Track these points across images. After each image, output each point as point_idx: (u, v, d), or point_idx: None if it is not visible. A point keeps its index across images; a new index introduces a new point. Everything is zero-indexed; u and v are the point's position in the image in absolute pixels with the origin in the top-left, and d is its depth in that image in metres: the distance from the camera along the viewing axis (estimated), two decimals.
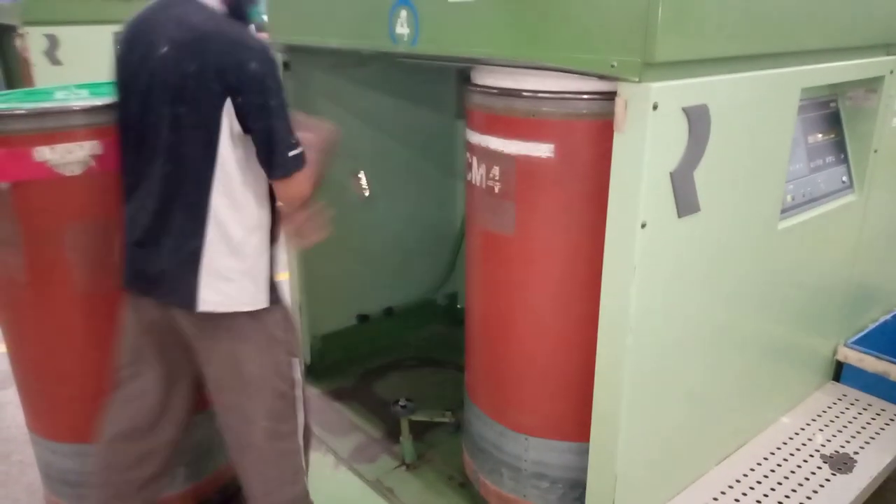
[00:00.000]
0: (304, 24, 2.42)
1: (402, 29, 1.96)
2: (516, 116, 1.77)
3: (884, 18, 2.16)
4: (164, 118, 1.60)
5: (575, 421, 1.93)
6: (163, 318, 1.78)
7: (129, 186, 1.74)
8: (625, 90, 1.50)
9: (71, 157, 1.83)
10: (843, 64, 2.08)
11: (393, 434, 2.62)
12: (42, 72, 6.09)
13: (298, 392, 1.89)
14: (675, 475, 2.01)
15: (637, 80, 1.47)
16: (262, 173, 1.68)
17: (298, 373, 1.89)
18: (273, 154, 1.62)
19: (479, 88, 1.89)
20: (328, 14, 2.28)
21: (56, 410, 2.11)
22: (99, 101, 1.89)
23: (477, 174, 1.95)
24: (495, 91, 1.82)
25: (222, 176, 1.62)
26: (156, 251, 1.70)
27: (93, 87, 2.17)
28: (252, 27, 1.76)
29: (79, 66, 6.26)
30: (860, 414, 2.40)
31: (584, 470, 1.87)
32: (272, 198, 1.76)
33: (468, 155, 2.02)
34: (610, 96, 1.56)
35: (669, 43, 1.46)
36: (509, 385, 2.07)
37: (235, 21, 1.65)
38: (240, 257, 1.69)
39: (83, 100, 1.98)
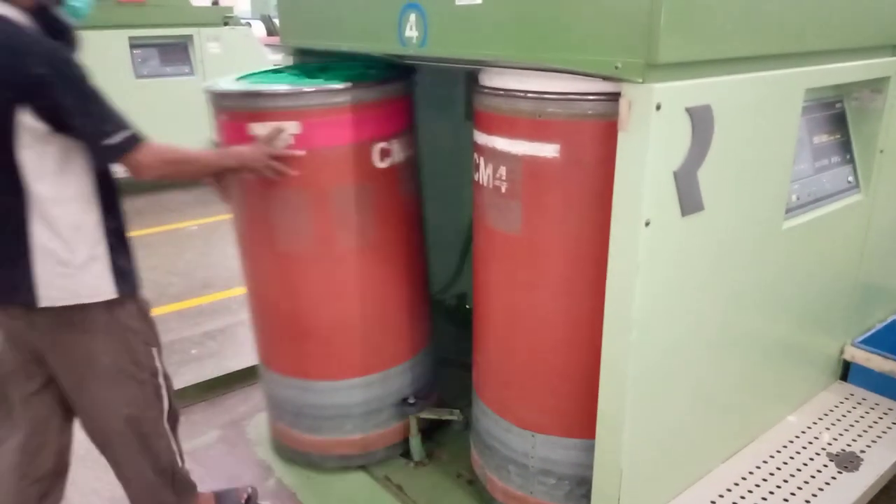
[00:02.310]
0: (314, 28, 2.46)
1: (412, 32, 2.00)
2: (522, 117, 1.80)
3: (889, 19, 2.17)
4: None
5: (581, 418, 1.95)
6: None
7: None
8: (629, 91, 1.52)
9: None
10: (849, 65, 2.09)
11: (402, 433, 2.65)
12: None
13: (160, 380, 2.03)
14: (680, 472, 2.03)
15: (641, 80, 1.49)
16: (77, 168, 1.76)
17: (158, 361, 2.02)
18: (91, 146, 1.73)
19: (486, 90, 1.92)
20: (338, 18, 2.32)
21: (282, 349, 2.51)
22: (304, 87, 2.16)
23: (484, 174, 1.98)
24: (502, 92, 1.85)
25: (31, 179, 1.70)
26: None
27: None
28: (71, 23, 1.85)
29: (95, 71, 6.35)
30: (867, 413, 2.40)
31: (590, 466, 1.89)
32: (110, 186, 1.85)
33: (475, 155, 2.05)
34: (614, 97, 1.58)
35: (672, 44, 1.48)
36: (516, 382, 2.09)
37: (20, 27, 1.67)
38: (72, 253, 1.77)
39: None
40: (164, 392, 2.05)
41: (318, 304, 2.38)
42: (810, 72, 1.94)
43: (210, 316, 4.04)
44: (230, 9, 7.30)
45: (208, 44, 6.87)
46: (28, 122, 1.65)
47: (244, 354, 3.48)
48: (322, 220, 2.26)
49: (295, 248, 2.30)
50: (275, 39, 9.94)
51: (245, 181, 2.25)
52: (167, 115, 6.71)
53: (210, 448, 2.80)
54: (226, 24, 6.98)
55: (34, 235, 1.74)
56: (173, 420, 2.13)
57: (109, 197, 1.85)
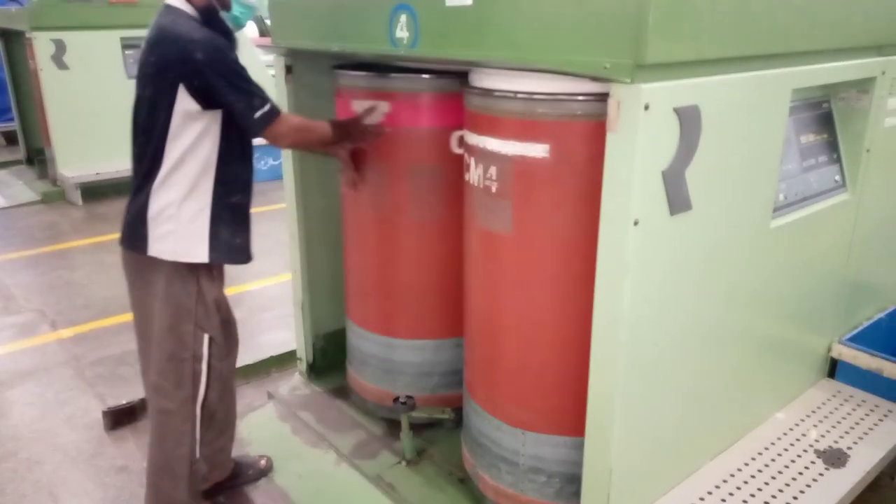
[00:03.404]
0: (305, 28, 2.47)
1: (402, 32, 2.01)
2: (512, 117, 1.82)
3: (874, 20, 2.20)
4: (142, 103, 2.01)
5: (571, 416, 1.97)
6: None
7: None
8: (617, 91, 1.54)
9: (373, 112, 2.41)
10: (835, 65, 2.12)
11: (393, 431, 2.66)
12: (49, 76, 6.17)
13: (202, 367, 2.17)
14: (669, 469, 2.05)
15: (629, 81, 1.51)
16: (207, 144, 2.03)
17: (206, 349, 2.17)
18: (244, 118, 2.00)
19: (476, 91, 1.94)
20: (329, 19, 2.33)
21: (369, 307, 2.75)
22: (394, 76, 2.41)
23: (475, 174, 1.99)
24: (492, 93, 1.86)
25: (172, 148, 2.00)
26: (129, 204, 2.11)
27: None
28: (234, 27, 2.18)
29: (86, 71, 6.37)
30: (854, 410, 2.43)
31: (580, 464, 1.90)
32: (227, 167, 2.09)
33: (466, 155, 2.06)
34: (603, 97, 1.60)
35: (660, 45, 1.50)
36: (506, 381, 2.10)
37: (188, 19, 2.01)
38: (174, 217, 2.04)
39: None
40: (202, 379, 2.18)
41: (390, 266, 2.63)
42: (797, 72, 1.96)
43: None
44: None
45: None
46: (184, 100, 1.94)
47: (238, 353, 3.49)
48: (400, 193, 2.52)
49: (382, 215, 2.57)
50: (267, 40, 9.92)
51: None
52: None
53: None
54: None
55: (154, 192, 2.04)
56: (207, 415, 2.24)
57: (228, 174, 2.09)
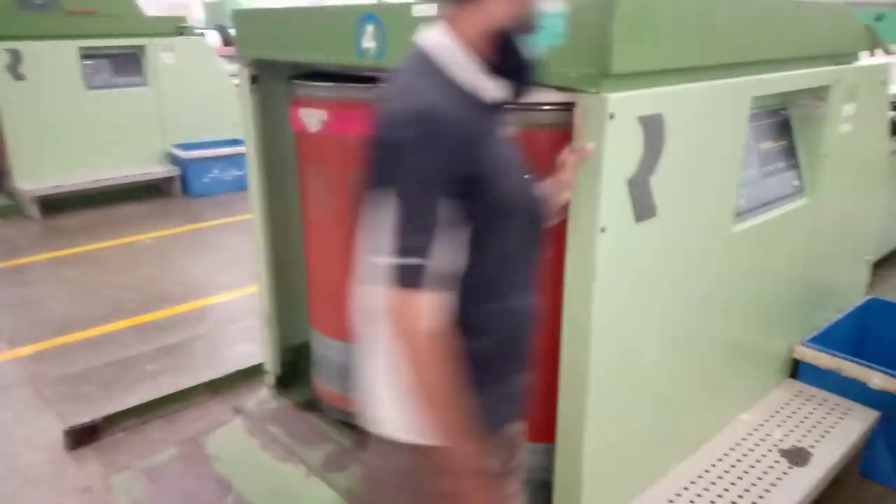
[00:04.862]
0: (271, 39, 2.46)
1: (369, 43, 2.01)
2: None
3: (828, 31, 2.27)
4: None
5: (542, 422, 1.97)
6: None
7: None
8: (583, 101, 1.56)
9: (312, 118, 2.41)
10: (792, 73, 2.18)
11: (364, 442, 2.63)
12: (5, 87, 6.02)
13: None
14: (639, 473, 2.07)
15: (595, 90, 1.53)
16: None
17: None
18: None
19: None
20: (295, 30, 2.32)
21: (332, 313, 2.70)
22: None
23: None
24: None
25: None
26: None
27: None
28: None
29: (43, 82, 6.24)
30: (815, 409, 2.49)
31: (551, 470, 1.91)
32: None
33: None
34: (569, 107, 1.62)
35: (625, 55, 1.52)
36: None
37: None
38: None
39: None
40: None
41: (331, 268, 2.58)
42: (757, 81, 2.01)
43: (166, 331, 3.96)
44: (184, 18, 7.20)
45: (162, 54, 6.75)
46: None
47: (201, 369, 3.43)
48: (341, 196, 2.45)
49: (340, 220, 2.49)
50: (231, 50, 9.83)
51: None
52: (120, 126, 6.61)
53: (167, 466, 2.74)
54: (180, 34, 6.89)
55: None
56: None
57: None
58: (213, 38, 10.00)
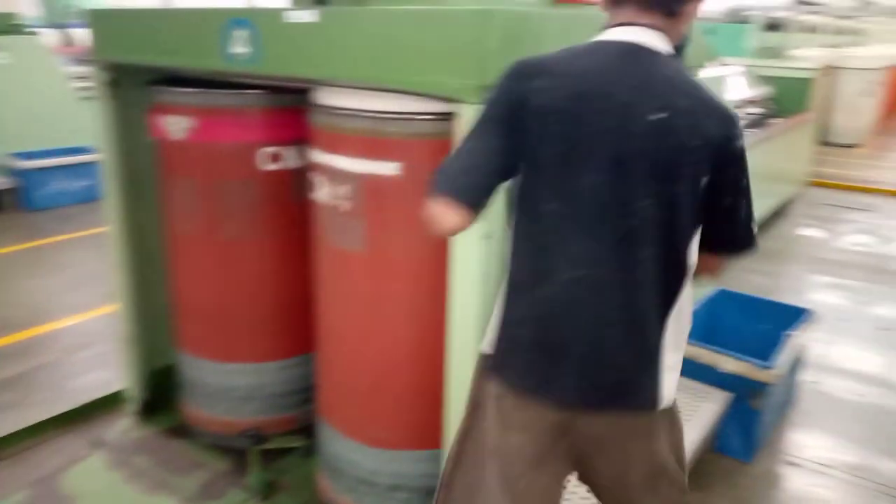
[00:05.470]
0: (131, 42, 2.30)
1: (239, 48, 1.93)
2: (362, 136, 1.81)
3: None
4: (651, 193, 1.30)
5: (431, 429, 1.98)
6: (561, 421, 1.45)
7: (538, 262, 1.39)
8: (464, 111, 1.59)
9: (178, 126, 2.29)
10: None
11: (241, 465, 2.52)
12: None
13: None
14: None
15: (475, 101, 1.56)
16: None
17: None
18: (742, 231, 1.43)
19: (324, 108, 1.90)
20: (157, 32, 2.18)
21: (199, 333, 2.59)
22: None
23: (323, 193, 1.96)
24: (341, 111, 1.85)
25: (689, 255, 1.40)
26: (614, 347, 1.38)
27: None
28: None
29: None
30: (677, 395, 2.68)
31: (438, 476, 1.92)
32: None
33: (313, 173, 2.02)
34: (452, 116, 1.64)
35: (503, 67, 1.57)
36: (364, 401, 2.08)
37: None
38: (680, 344, 1.46)
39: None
40: None
41: (200, 286, 2.48)
42: None
43: (7, 361, 3.56)
44: (12, 15, 6.53)
45: None
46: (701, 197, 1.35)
47: (51, 402, 3.11)
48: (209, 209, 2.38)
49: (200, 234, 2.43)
50: (74, 50, 9.05)
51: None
52: None
53: None
54: (9, 32, 6.24)
55: (669, 326, 1.40)
56: None
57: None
58: (52, 36, 9.18)
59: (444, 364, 1.80)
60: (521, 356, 1.43)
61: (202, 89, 2.24)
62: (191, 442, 2.72)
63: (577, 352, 1.37)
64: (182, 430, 2.78)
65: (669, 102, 1.29)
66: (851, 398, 3.39)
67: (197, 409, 2.66)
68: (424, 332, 1.93)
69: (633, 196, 1.30)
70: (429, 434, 2.00)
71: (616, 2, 1.37)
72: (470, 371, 1.74)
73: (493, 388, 1.47)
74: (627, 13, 1.35)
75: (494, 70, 1.54)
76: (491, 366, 1.48)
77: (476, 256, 1.65)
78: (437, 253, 1.79)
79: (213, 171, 2.32)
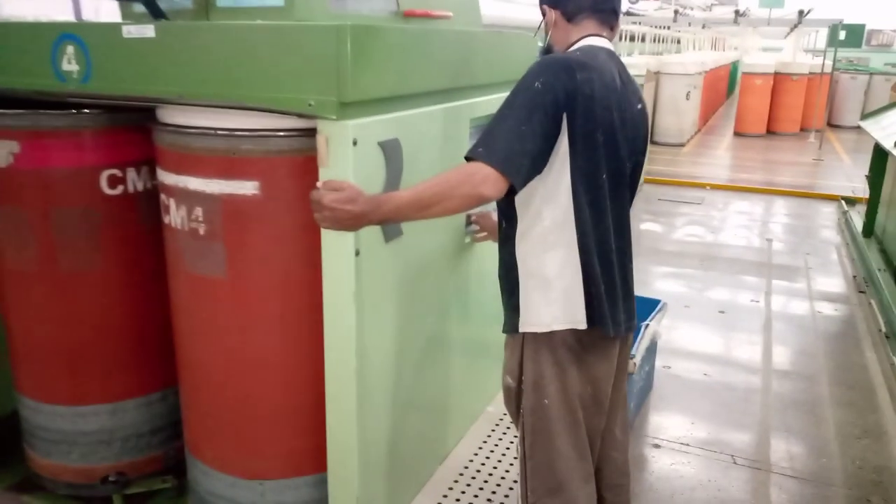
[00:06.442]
0: None
1: (70, 66, 1.78)
2: (216, 155, 1.73)
3: (519, 58, 2.58)
4: (630, 165, 1.72)
5: (310, 454, 1.93)
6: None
7: (598, 223, 1.66)
8: (325, 127, 1.57)
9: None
10: (498, 96, 2.43)
11: None
12: None
13: None
14: (411, 481, 2.14)
15: (335, 117, 1.55)
16: None
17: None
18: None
19: (170, 127, 1.80)
20: None
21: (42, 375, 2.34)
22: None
23: (177, 216, 1.85)
24: (190, 130, 1.75)
25: None
26: (631, 282, 1.81)
27: None
28: None
29: None
30: None
31: (323, 500, 1.88)
32: None
33: (163, 196, 1.90)
34: (310, 133, 1.61)
35: (359, 83, 1.57)
36: (236, 433, 1.98)
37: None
38: None
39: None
40: None
41: (38, 324, 2.24)
42: (472, 104, 2.21)
43: None
44: None
45: None
46: None
47: None
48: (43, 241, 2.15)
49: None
50: None
51: None
52: None
53: None
54: None
55: None
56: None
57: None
58: None
59: (320, 384, 1.76)
60: (604, 304, 1.68)
61: (27, 111, 2.03)
62: (42, 496, 2.46)
63: (622, 291, 1.74)
64: (30, 483, 2.51)
65: (640, 95, 1.75)
66: (699, 378, 3.69)
67: (47, 458, 2.41)
68: (295, 354, 1.88)
69: (628, 167, 1.72)
70: (308, 459, 1.95)
71: (576, 20, 1.71)
72: (348, 389, 1.72)
73: (560, 352, 1.69)
74: (589, 27, 1.71)
75: (351, 84, 1.53)
76: (590, 318, 1.69)
77: (349, 272, 1.63)
78: (306, 271, 1.75)
79: (44, 199, 2.11)
